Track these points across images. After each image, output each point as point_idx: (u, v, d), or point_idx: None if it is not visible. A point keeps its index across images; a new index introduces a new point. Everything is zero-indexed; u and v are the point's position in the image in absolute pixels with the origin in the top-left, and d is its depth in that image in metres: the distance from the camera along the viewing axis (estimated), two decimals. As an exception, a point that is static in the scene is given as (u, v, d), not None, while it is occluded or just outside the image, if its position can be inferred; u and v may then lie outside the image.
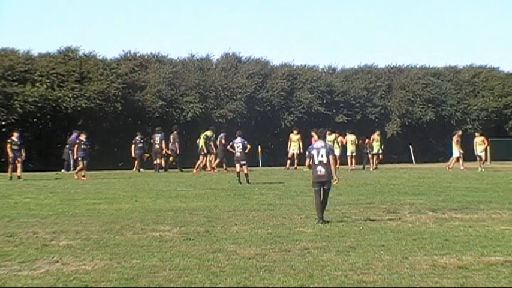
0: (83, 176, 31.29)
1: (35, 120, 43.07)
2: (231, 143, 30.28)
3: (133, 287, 9.87)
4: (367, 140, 40.64)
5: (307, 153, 16.64)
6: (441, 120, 52.80)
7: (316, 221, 15.84)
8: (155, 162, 38.19)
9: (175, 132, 38.79)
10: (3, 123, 41.53)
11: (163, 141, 38.20)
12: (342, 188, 25.83)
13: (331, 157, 16.24)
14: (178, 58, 49.77)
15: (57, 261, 11.51)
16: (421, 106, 52.51)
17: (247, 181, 27.80)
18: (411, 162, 48.43)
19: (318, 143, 16.53)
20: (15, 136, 32.61)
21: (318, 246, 12.77)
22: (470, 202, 20.21)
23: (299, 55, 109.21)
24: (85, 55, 45.63)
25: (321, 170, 16.14)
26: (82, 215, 17.74)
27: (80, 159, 32.25)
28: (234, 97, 47.24)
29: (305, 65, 52.24)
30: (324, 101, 49.60)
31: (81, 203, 20.68)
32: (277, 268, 10.85)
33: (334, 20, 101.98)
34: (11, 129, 34.17)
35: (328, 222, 15.83)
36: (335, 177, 16.28)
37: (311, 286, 9.79)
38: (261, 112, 47.96)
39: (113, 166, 40.17)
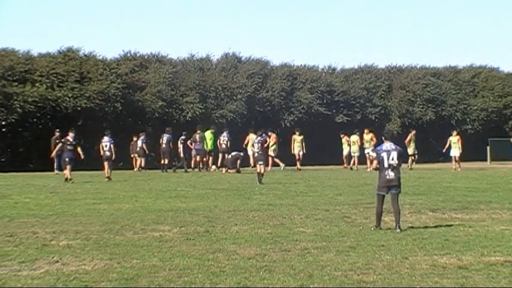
0: (70, 179, 29.23)
1: (34, 120, 43.06)
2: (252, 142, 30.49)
3: (133, 287, 9.87)
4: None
5: (374, 154, 15.61)
6: (441, 120, 52.78)
7: (373, 227, 14.94)
8: (162, 162, 38.24)
9: (199, 131, 39.03)
10: (3, 123, 41.54)
11: (170, 142, 38.37)
12: (342, 188, 25.85)
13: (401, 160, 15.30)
14: (178, 58, 49.81)
15: (57, 261, 11.51)
16: (421, 106, 52.50)
17: (260, 181, 27.68)
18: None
19: (387, 145, 15.34)
20: (70, 136, 30.76)
21: (318, 246, 12.77)
22: (470, 202, 20.21)
23: (299, 55, 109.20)
24: (85, 55, 45.62)
25: (390, 173, 15.08)
26: (82, 215, 17.74)
27: (67, 160, 29.90)
28: (234, 97, 47.23)
29: (305, 65, 52.24)
30: (324, 101, 49.58)
31: (81, 203, 20.68)
32: (277, 268, 10.85)
33: (334, 20, 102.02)
34: (69, 128, 32.03)
35: (402, 230, 14.65)
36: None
37: (311, 286, 9.79)
38: (261, 112, 47.93)
39: (113, 166, 40.08)
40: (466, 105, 54.05)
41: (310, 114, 48.77)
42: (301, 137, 39.47)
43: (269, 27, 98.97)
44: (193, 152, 39.53)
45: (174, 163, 38.97)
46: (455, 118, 53.27)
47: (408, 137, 40.37)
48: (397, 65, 55.27)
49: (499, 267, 10.88)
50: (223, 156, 37.75)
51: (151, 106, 44.81)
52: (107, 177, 30.62)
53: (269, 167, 37.08)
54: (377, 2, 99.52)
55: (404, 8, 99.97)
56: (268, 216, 17.23)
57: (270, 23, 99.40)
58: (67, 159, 29.87)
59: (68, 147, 30.22)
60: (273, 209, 18.72)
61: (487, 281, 10.05)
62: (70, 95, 42.54)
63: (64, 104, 42.35)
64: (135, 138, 39.96)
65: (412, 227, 15.25)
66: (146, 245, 12.97)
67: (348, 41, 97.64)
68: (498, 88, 55.77)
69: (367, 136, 39.25)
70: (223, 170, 37.03)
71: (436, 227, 15.35)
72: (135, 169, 38.97)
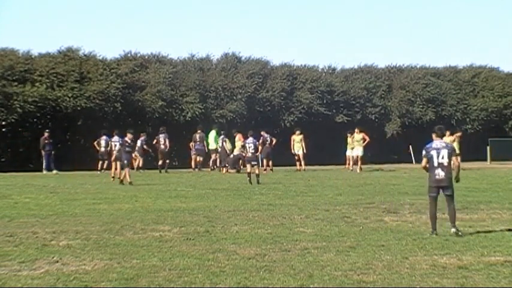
0: (130, 182, 28.01)
1: (34, 120, 43.08)
2: (242, 143, 30.45)
3: (133, 287, 9.87)
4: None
5: (424, 152, 14.76)
6: (441, 120, 52.69)
7: (430, 232, 14.12)
8: (160, 162, 38.13)
9: (200, 131, 39.07)
10: (3, 123, 41.56)
11: (167, 141, 38.33)
12: (342, 188, 25.85)
13: (454, 159, 14.62)
14: (178, 58, 49.86)
15: (57, 261, 11.50)
16: (421, 106, 52.52)
17: (258, 182, 27.66)
18: (411, 162, 48.40)
19: (437, 143, 14.60)
20: (128, 137, 29.28)
21: (318, 246, 12.77)
22: (470, 202, 20.19)
23: (299, 55, 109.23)
24: (85, 55, 45.66)
25: (440, 173, 14.35)
26: (82, 215, 17.74)
27: (125, 163, 28.77)
28: (234, 97, 47.24)
29: (305, 65, 52.27)
30: (324, 101, 49.61)
31: (81, 203, 20.67)
32: (277, 268, 10.85)
33: (334, 20, 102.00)
34: (127, 130, 30.10)
35: (460, 235, 13.97)
36: (456, 176, 14.64)
37: (311, 286, 9.79)
38: (261, 112, 47.96)
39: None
40: (466, 105, 54.08)
41: (310, 114, 48.79)
42: (301, 136, 39.35)
43: (269, 27, 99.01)
44: (193, 152, 39.52)
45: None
46: (455, 118, 53.30)
47: (452, 138, 39.60)
48: (397, 65, 55.34)
49: (499, 267, 10.87)
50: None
51: (151, 106, 44.83)
52: (113, 176, 30.45)
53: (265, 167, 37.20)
54: (377, 2, 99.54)
55: (404, 8, 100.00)
56: (268, 216, 17.22)
57: (270, 23, 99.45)
58: (125, 161, 28.62)
59: (127, 148, 29.05)
60: (273, 209, 18.71)
61: (487, 281, 10.05)
62: (70, 95, 42.57)
63: (64, 104, 42.39)
64: None
65: (412, 227, 15.24)
66: (146, 245, 12.97)
67: (348, 41, 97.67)
68: (498, 88, 55.79)
69: (358, 136, 38.75)
70: (223, 170, 37.06)
71: (436, 227, 15.32)
72: (135, 170, 38.93)
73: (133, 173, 37.12)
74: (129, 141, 29.24)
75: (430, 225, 14.33)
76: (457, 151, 15.58)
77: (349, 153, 39.41)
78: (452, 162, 14.52)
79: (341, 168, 40.01)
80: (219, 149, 38.35)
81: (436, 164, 14.40)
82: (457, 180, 14.71)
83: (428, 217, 14.71)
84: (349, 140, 39.71)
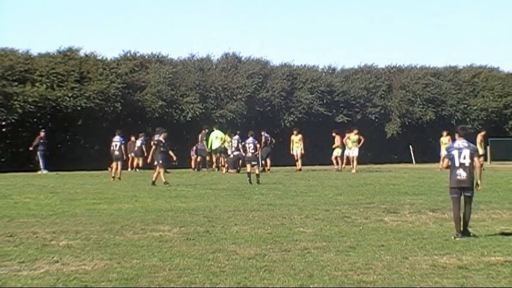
0: (167, 183, 27.17)
1: (34, 120, 43.06)
2: (243, 143, 30.42)
3: (133, 287, 9.87)
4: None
5: (445, 153, 14.50)
6: (441, 120, 52.78)
7: (455, 235, 13.76)
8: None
9: (204, 131, 39.05)
10: (3, 123, 41.56)
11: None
12: (342, 188, 25.85)
13: (476, 159, 14.10)
14: (178, 58, 49.86)
15: (57, 261, 11.50)
16: (421, 106, 52.53)
17: (258, 182, 27.65)
18: (411, 162, 48.43)
19: (459, 142, 14.16)
20: (163, 137, 28.78)
21: (318, 246, 12.76)
22: (470, 202, 20.15)
23: (299, 55, 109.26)
24: (85, 55, 45.67)
25: (461, 173, 13.95)
26: (82, 215, 17.74)
27: (160, 162, 28.02)
28: (234, 97, 47.25)
29: (305, 65, 52.29)
30: (324, 101, 49.61)
31: (81, 203, 20.67)
32: (277, 268, 10.84)
33: (334, 20, 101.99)
34: (157, 129, 29.93)
35: (475, 236, 13.86)
36: (479, 182, 14.19)
37: (311, 286, 9.78)
38: (261, 112, 47.96)
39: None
40: (466, 105, 54.09)
41: (310, 114, 48.80)
42: (299, 136, 39.27)
43: (269, 27, 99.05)
44: (193, 152, 39.43)
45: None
46: (455, 118, 53.29)
47: (480, 137, 39.05)
48: (397, 65, 55.34)
49: (499, 267, 10.87)
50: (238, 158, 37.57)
51: (151, 106, 44.84)
52: (113, 176, 30.38)
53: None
54: (377, 2, 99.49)
55: (404, 8, 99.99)
56: (268, 216, 17.22)
57: (270, 23, 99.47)
58: (160, 161, 27.91)
59: (161, 148, 28.36)
60: (273, 209, 18.71)
61: (487, 281, 10.05)
62: (70, 95, 42.59)
63: (64, 104, 42.39)
64: (132, 138, 39.92)
65: (412, 227, 15.24)
66: (146, 245, 12.96)
67: (348, 41, 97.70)
68: (498, 88, 55.80)
69: (354, 137, 38.28)
70: (224, 170, 37.07)
71: (436, 227, 15.34)
72: (129, 169, 38.85)
73: (132, 173, 37.17)
74: (163, 140, 28.63)
75: (454, 227, 14.03)
76: (481, 152, 15.00)
77: (346, 152, 38.88)
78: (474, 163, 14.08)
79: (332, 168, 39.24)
80: (233, 149, 37.72)
81: (457, 164, 14.01)
82: (478, 186, 14.23)
83: (452, 219, 14.36)
84: (348, 140, 39.23)
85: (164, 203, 20.59)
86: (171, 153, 29.75)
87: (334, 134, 40.21)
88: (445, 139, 39.37)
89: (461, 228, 13.86)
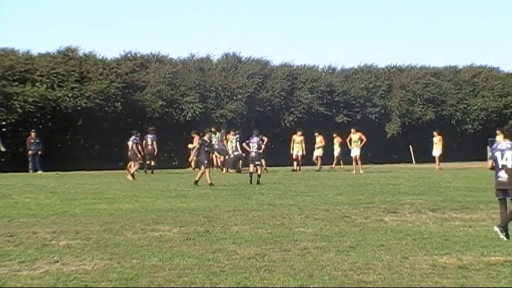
0: (212, 184, 26.71)
1: (35, 120, 43.04)
2: (246, 141, 30.30)
3: (133, 287, 9.87)
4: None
5: (490, 153, 14.14)
6: (441, 120, 52.80)
7: (503, 237, 13.42)
8: (147, 162, 37.47)
9: (211, 132, 38.75)
10: (3, 123, 41.55)
11: (155, 142, 37.36)
12: (342, 187, 25.86)
13: None
14: (178, 58, 49.84)
15: (57, 261, 11.50)
16: (421, 106, 52.54)
17: (258, 182, 27.59)
18: (411, 162, 48.43)
19: (503, 143, 13.75)
20: (207, 137, 28.40)
21: (318, 246, 12.77)
22: (470, 202, 20.19)
23: (299, 55, 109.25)
24: (85, 55, 45.65)
25: (503, 176, 13.54)
26: (82, 215, 17.74)
27: (205, 163, 27.54)
28: (234, 97, 47.25)
29: (305, 65, 52.26)
30: (324, 101, 49.61)
31: (81, 203, 20.67)
32: (277, 268, 10.85)
33: (334, 20, 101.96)
34: (200, 130, 29.97)
35: (501, 238, 13.41)
36: None
37: (311, 286, 9.79)
38: (261, 112, 47.95)
39: (113, 166, 40.14)
40: (466, 105, 54.10)
41: (310, 114, 48.79)
42: (301, 137, 39.16)
43: (269, 27, 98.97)
44: (193, 152, 39.30)
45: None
46: (455, 118, 53.33)
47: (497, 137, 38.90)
48: (397, 65, 55.33)
49: (499, 267, 10.87)
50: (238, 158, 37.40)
51: (151, 106, 44.84)
52: (132, 174, 30.51)
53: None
54: (377, 2, 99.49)
55: (404, 8, 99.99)
56: (268, 216, 17.22)
57: (270, 23, 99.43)
58: (205, 162, 27.45)
59: (206, 148, 27.89)
60: (273, 209, 18.71)
61: (487, 281, 10.05)
62: (70, 95, 42.56)
63: (64, 104, 42.37)
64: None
65: (412, 227, 15.24)
66: (146, 245, 12.97)
67: (348, 41, 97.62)
68: (498, 88, 55.81)
69: (355, 136, 37.91)
70: (224, 170, 37.05)
71: (436, 227, 15.34)
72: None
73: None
74: (208, 140, 28.33)
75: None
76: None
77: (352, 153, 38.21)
78: None
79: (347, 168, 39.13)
80: (234, 149, 37.50)
81: (500, 166, 13.64)
82: None
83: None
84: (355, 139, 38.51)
85: (164, 203, 20.59)
86: (216, 153, 29.76)
87: (335, 135, 40.33)
88: (435, 139, 39.55)
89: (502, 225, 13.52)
